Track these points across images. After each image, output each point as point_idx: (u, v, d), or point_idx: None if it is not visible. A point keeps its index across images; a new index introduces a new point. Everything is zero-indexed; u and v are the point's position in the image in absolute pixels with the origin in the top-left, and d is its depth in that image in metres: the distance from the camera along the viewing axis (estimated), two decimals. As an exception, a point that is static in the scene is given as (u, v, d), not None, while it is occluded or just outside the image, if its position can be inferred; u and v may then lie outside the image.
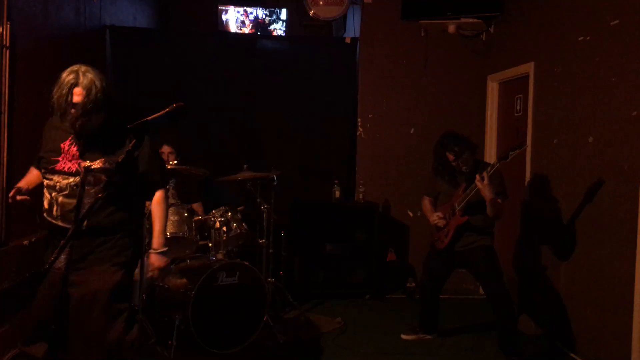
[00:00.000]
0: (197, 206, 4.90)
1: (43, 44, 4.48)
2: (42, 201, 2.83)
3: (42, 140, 2.89)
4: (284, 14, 7.04)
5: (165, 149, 4.82)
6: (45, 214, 2.82)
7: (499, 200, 3.99)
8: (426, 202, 4.54)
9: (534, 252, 4.90)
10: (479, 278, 4.37)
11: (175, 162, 4.46)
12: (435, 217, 4.27)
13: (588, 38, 4.20)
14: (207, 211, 4.66)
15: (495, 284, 4.12)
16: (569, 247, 4.35)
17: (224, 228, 4.44)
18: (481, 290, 5.82)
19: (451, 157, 4.16)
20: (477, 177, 3.91)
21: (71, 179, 2.74)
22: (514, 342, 4.04)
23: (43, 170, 2.83)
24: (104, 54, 5.64)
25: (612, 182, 3.90)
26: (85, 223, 2.58)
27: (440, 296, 4.54)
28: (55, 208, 2.77)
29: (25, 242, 4.15)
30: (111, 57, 5.73)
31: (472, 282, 5.88)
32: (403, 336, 4.57)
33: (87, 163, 2.77)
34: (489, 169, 3.93)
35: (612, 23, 3.91)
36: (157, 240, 2.99)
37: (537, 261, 4.84)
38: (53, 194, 2.78)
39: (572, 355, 4.30)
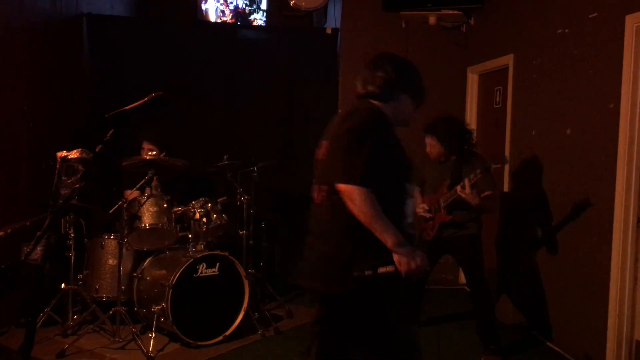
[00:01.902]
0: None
1: (18, 33, 4.39)
2: None
3: None
4: (264, 3, 7.00)
5: (146, 145, 4.75)
6: None
7: (488, 193, 3.91)
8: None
9: (513, 242, 4.95)
10: (462, 266, 4.38)
11: (154, 152, 4.42)
12: (421, 209, 4.24)
13: (567, 31, 4.23)
14: (186, 202, 4.62)
15: (477, 274, 4.14)
16: (547, 237, 4.40)
17: (204, 219, 4.41)
18: (461, 280, 5.89)
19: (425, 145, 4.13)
20: (459, 187, 3.83)
21: None
22: (491, 332, 4.08)
23: None
24: (81, 43, 5.55)
25: (589, 173, 3.95)
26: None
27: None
28: None
29: (1, 234, 4.09)
30: (88, 46, 5.64)
31: (451, 272, 5.92)
32: None
33: (64, 153, 2.72)
34: (471, 176, 3.81)
35: (590, 16, 3.94)
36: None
37: (515, 251, 4.89)
38: None
39: (549, 344, 4.36)
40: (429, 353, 4.19)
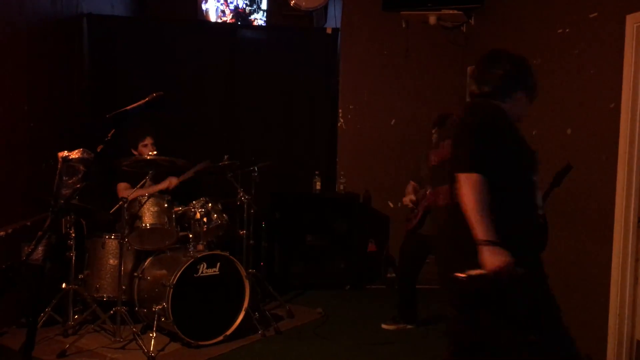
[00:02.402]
0: (169, 180, 4.83)
1: (18, 33, 4.39)
2: None
3: None
4: (264, 3, 7.00)
5: (149, 140, 4.77)
6: None
7: None
8: (408, 186, 4.54)
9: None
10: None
11: (155, 152, 4.42)
12: (407, 199, 4.31)
13: (567, 30, 4.23)
14: (187, 202, 4.62)
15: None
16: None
17: (205, 219, 4.41)
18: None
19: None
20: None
21: None
22: None
23: None
24: (81, 43, 5.55)
25: (589, 173, 3.95)
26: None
27: (418, 286, 4.57)
28: None
29: (1, 234, 4.09)
30: (89, 46, 5.64)
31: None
32: (384, 326, 4.60)
33: (65, 153, 2.72)
34: None
35: (590, 15, 3.94)
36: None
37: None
38: None
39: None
40: (426, 353, 4.20)
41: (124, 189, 4.71)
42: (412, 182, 4.53)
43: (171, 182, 4.75)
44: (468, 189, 2.21)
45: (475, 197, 2.20)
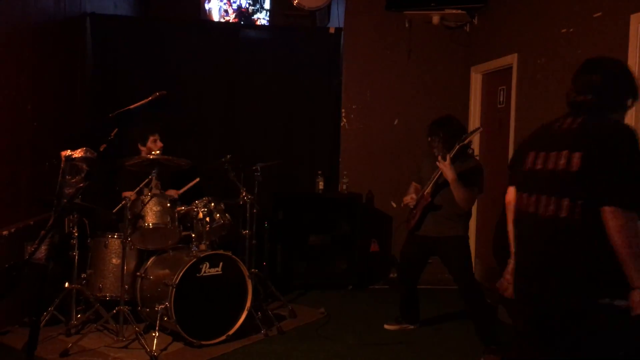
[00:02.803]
0: (172, 192, 4.86)
1: (21, 32, 4.39)
2: None
3: None
4: (267, 3, 7.00)
5: (157, 136, 4.80)
6: None
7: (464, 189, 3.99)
8: (410, 187, 4.52)
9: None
10: (449, 269, 4.33)
11: (158, 152, 4.42)
12: (408, 198, 4.31)
13: (571, 30, 4.22)
14: (189, 202, 4.62)
15: (464, 277, 4.14)
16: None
17: (207, 219, 4.41)
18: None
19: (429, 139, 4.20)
20: (439, 157, 3.97)
21: None
22: (490, 331, 4.07)
23: None
24: (84, 43, 5.56)
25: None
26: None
27: (420, 287, 4.56)
28: None
29: (4, 233, 4.10)
30: (92, 46, 5.65)
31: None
32: (386, 326, 4.60)
33: (68, 152, 2.72)
34: (452, 150, 3.96)
35: (595, 15, 3.93)
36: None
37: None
38: None
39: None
40: (428, 353, 4.20)
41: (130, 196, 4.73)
42: (413, 183, 4.52)
43: (171, 195, 4.73)
44: (629, 230, 2.10)
45: (635, 238, 2.10)
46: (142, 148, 4.80)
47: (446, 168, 3.94)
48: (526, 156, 2.42)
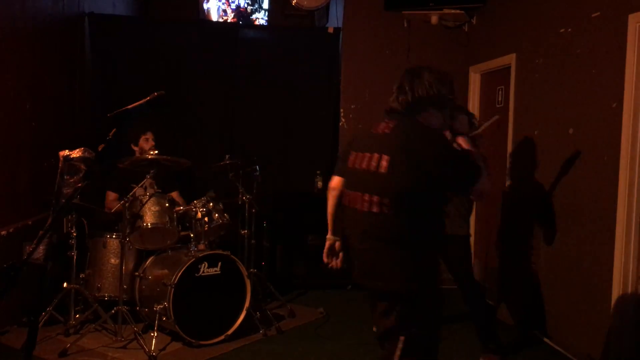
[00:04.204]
0: (175, 195, 4.87)
1: (20, 32, 4.39)
2: None
3: None
4: (266, 3, 7.00)
5: (150, 135, 4.79)
6: None
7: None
8: None
9: (515, 242, 4.94)
10: (450, 269, 4.25)
11: (157, 151, 4.42)
12: None
13: (569, 30, 4.22)
14: (189, 202, 4.63)
15: (465, 276, 4.11)
16: (549, 238, 4.39)
17: (206, 219, 4.42)
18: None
19: None
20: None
21: None
22: (489, 330, 4.06)
23: None
24: (83, 42, 5.55)
25: (592, 173, 3.94)
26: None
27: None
28: None
29: (3, 233, 4.09)
30: (90, 46, 5.64)
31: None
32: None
33: (66, 152, 2.72)
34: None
35: (593, 15, 3.94)
36: None
37: (517, 250, 4.89)
38: None
39: (551, 343, 4.35)
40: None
41: (111, 202, 4.73)
42: None
43: (170, 195, 4.73)
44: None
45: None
46: (135, 148, 4.80)
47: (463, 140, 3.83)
48: (349, 155, 2.63)
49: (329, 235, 2.98)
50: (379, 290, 2.54)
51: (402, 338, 2.46)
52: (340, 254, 2.98)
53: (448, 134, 2.73)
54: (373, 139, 2.57)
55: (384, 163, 2.43)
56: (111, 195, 4.79)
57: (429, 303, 2.54)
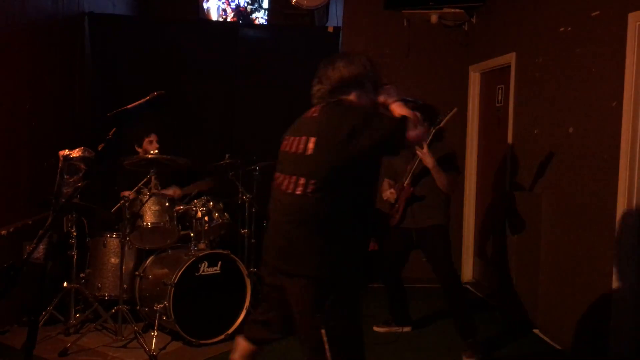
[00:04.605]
0: (173, 190, 4.85)
1: (20, 31, 4.39)
2: None
3: None
4: (266, 2, 6.99)
5: (154, 136, 4.79)
6: None
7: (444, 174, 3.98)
8: (384, 183, 4.41)
9: (515, 241, 4.94)
10: (429, 260, 4.26)
11: (157, 151, 4.42)
12: (387, 193, 4.23)
13: (569, 29, 4.22)
14: (188, 201, 4.62)
15: (444, 267, 4.09)
16: (549, 237, 4.40)
17: (206, 218, 4.42)
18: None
19: None
20: (417, 146, 3.90)
21: None
22: (467, 325, 4.04)
23: None
24: (82, 42, 5.55)
25: (591, 172, 3.94)
26: None
27: (414, 285, 4.54)
28: None
29: (3, 232, 4.09)
30: (90, 45, 5.64)
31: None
32: (375, 328, 4.55)
33: (66, 151, 2.72)
34: (428, 135, 3.93)
35: (592, 14, 3.94)
36: None
37: (517, 250, 4.89)
38: None
39: (550, 342, 4.35)
40: (427, 352, 4.20)
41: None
42: (386, 180, 4.41)
43: (175, 191, 4.74)
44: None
45: None
46: (139, 149, 4.80)
47: (425, 155, 3.91)
48: (283, 140, 2.67)
49: None
50: (294, 274, 2.50)
51: (322, 331, 2.43)
52: None
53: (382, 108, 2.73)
54: (303, 123, 2.63)
55: (311, 145, 2.47)
56: (126, 195, 4.75)
57: (346, 290, 2.52)
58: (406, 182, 4.12)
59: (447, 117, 4.01)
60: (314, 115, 2.59)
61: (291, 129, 2.68)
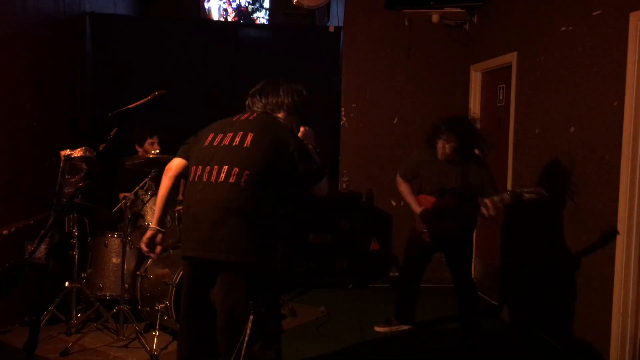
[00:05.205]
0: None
1: (21, 31, 4.39)
2: None
3: None
4: (267, 2, 6.99)
5: (156, 139, 4.79)
6: None
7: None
8: (406, 187, 4.35)
9: (517, 241, 4.94)
10: (451, 265, 4.27)
11: (157, 151, 4.41)
12: (422, 227, 4.21)
13: (570, 28, 4.22)
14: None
15: (467, 274, 4.16)
16: (551, 238, 4.39)
17: (207, 218, 4.40)
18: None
19: (439, 142, 4.07)
20: (483, 209, 3.82)
21: None
22: (477, 333, 4.04)
23: None
24: (83, 42, 5.55)
25: (593, 172, 3.94)
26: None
27: (428, 285, 4.56)
28: None
29: (4, 232, 4.10)
30: (91, 45, 5.64)
31: (447, 270, 5.91)
32: (377, 328, 4.56)
33: (67, 151, 2.73)
34: (497, 198, 3.81)
35: (594, 13, 3.93)
36: None
37: (519, 250, 4.88)
38: None
39: (552, 343, 4.35)
40: (429, 352, 4.20)
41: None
42: (404, 181, 4.37)
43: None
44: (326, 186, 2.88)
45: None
46: (139, 149, 4.80)
47: (492, 214, 3.81)
48: (206, 137, 2.82)
49: (153, 225, 2.96)
50: (221, 261, 2.63)
51: (251, 317, 2.59)
52: (159, 247, 2.96)
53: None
54: (238, 123, 2.83)
55: (249, 139, 2.70)
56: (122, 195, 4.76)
57: (265, 279, 2.69)
58: (452, 201, 4.08)
59: (532, 196, 3.77)
60: (250, 118, 2.85)
61: (215, 128, 2.86)
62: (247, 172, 2.62)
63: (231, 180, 2.62)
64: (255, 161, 2.65)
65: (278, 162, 2.68)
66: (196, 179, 2.72)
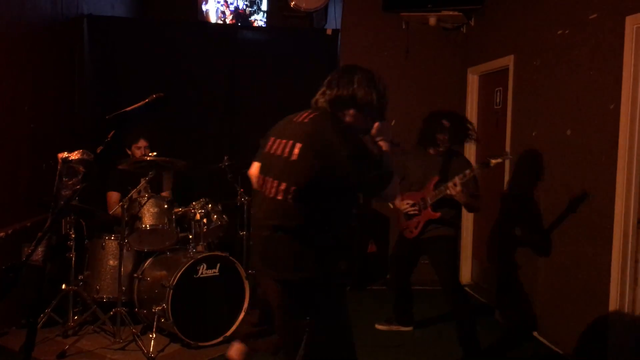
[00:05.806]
0: (167, 194, 4.85)
1: (19, 34, 4.39)
2: None
3: None
4: (264, 4, 6.99)
5: (142, 143, 4.76)
6: None
7: (477, 194, 4.00)
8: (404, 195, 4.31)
9: (513, 243, 4.94)
10: (435, 268, 4.22)
11: (155, 153, 4.41)
12: (406, 205, 4.14)
13: (567, 31, 4.23)
14: (187, 203, 4.62)
15: (452, 277, 4.12)
16: (547, 239, 4.40)
17: (205, 220, 4.41)
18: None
19: (440, 134, 4.09)
20: (450, 184, 3.84)
21: None
22: (469, 334, 4.04)
23: None
24: (81, 44, 5.55)
25: (589, 174, 3.95)
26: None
27: (416, 288, 4.56)
28: None
29: (1, 234, 4.10)
30: (89, 47, 5.63)
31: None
32: (377, 326, 4.58)
33: (65, 154, 2.72)
34: (461, 175, 3.85)
35: (590, 17, 3.95)
36: None
37: (515, 252, 4.89)
38: None
39: (549, 345, 4.35)
40: (426, 354, 4.20)
41: (114, 202, 4.70)
42: (407, 193, 4.28)
43: (169, 195, 4.73)
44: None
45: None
46: (129, 152, 4.79)
47: (459, 195, 3.83)
48: (268, 141, 2.66)
49: None
50: (274, 279, 2.53)
51: (304, 336, 2.47)
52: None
53: (367, 139, 2.67)
54: (291, 127, 2.59)
55: (296, 150, 2.45)
56: (113, 196, 4.77)
57: (324, 296, 2.56)
58: (430, 204, 4.03)
59: (496, 160, 3.88)
60: (305, 121, 2.56)
61: (276, 130, 2.68)
62: (294, 188, 2.42)
63: (279, 197, 2.45)
64: (302, 176, 2.42)
65: (328, 175, 2.41)
66: (260, 189, 2.61)
